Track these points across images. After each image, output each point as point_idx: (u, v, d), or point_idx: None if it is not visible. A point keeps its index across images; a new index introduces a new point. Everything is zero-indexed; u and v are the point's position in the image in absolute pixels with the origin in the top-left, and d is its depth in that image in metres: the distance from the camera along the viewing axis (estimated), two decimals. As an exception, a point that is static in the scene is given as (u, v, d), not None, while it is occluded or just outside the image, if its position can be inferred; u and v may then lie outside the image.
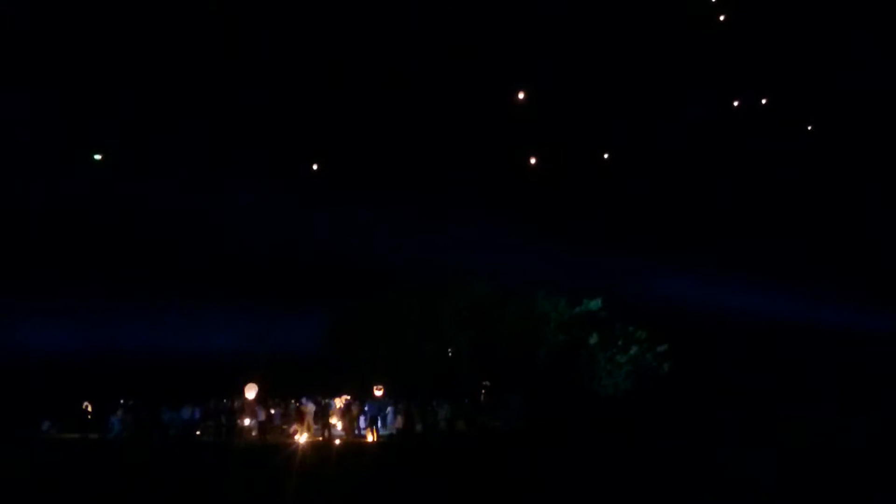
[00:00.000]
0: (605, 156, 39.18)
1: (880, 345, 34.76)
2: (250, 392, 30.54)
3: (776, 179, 40.33)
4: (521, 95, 36.12)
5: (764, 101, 39.90)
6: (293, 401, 32.72)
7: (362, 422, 30.92)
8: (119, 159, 33.75)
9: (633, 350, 31.42)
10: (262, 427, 30.39)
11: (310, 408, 32.10)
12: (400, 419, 31.25)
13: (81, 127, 32.97)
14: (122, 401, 31.94)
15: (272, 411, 31.42)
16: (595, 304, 32.34)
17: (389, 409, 31.32)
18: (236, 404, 30.44)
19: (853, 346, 34.40)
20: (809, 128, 41.25)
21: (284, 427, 31.77)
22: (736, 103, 39.75)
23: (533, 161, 37.31)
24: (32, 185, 32.76)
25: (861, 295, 36.96)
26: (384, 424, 30.87)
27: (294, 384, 32.02)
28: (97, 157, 31.66)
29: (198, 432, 30.56)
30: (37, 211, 33.13)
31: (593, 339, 31.49)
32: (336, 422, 31.40)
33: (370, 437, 29.78)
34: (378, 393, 30.71)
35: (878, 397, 30.45)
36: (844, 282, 37.54)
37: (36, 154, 32.46)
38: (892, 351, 34.42)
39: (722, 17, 37.63)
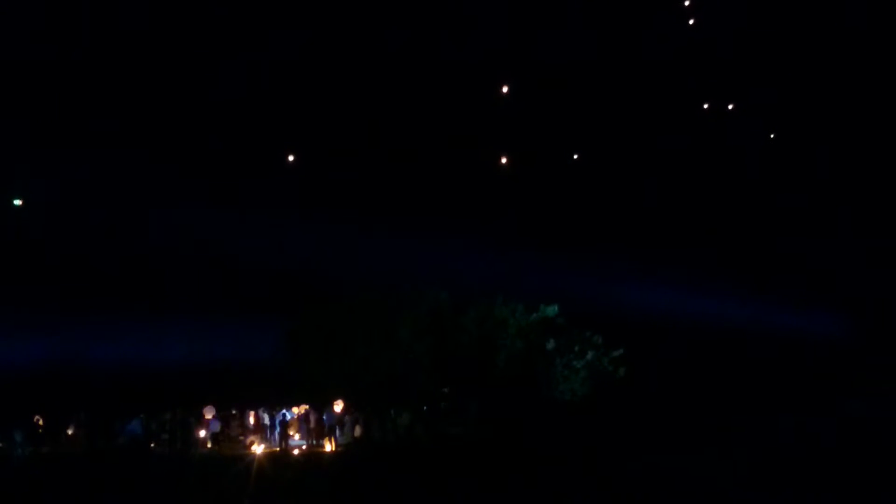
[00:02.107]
0: (575, 157, 39.21)
1: (828, 348, 35.54)
2: (208, 412, 30.50)
3: (734, 186, 40.89)
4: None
5: (730, 107, 40.31)
6: (250, 412, 32.51)
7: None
8: (72, 171, 33.24)
9: (590, 355, 31.58)
10: (216, 438, 30.19)
11: (268, 419, 31.95)
12: (358, 428, 31.19)
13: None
14: (76, 414, 31.39)
15: (225, 425, 31.22)
16: (552, 310, 32.44)
17: (347, 418, 31.21)
18: (191, 416, 30.17)
19: (804, 349, 35.08)
20: (772, 136, 41.88)
21: (241, 438, 31.56)
22: (705, 107, 40.08)
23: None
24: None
25: (813, 300, 37.70)
26: (342, 433, 30.76)
27: (251, 395, 31.76)
28: (17, 202, 31.24)
29: (152, 444, 30.16)
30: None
31: (550, 345, 31.61)
32: (294, 432, 31.26)
33: (328, 447, 29.72)
34: (337, 408, 30.69)
35: (829, 400, 31.07)
36: (798, 288, 38.25)
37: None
38: (839, 353, 35.26)
39: (691, 21, 37.99)
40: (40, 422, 29.95)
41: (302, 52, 35.30)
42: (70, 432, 30.75)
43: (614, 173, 39.46)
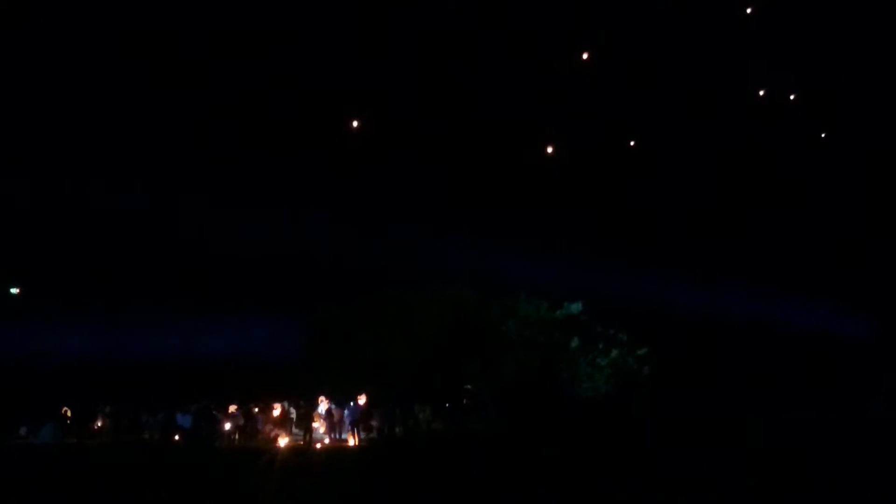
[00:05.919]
0: (630, 144, 38.28)
1: (852, 347, 35.21)
2: (231, 407, 30.83)
3: (764, 182, 40.22)
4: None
5: (792, 97, 39.24)
6: (275, 405, 32.73)
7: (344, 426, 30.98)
8: (96, 166, 33.58)
9: (614, 353, 31.41)
10: (236, 431, 30.49)
11: (292, 412, 32.14)
12: (377, 423, 31.31)
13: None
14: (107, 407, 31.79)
15: (249, 418, 31.45)
16: (576, 306, 32.26)
17: (371, 412, 31.32)
18: (216, 410, 30.47)
19: (828, 349, 34.78)
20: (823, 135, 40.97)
21: (265, 432, 31.77)
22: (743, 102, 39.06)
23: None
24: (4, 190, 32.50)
25: (838, 299, 37.34)
26: (365, 428, 30.86)
27: (275, 388, 32.00)
28: (14, 290, 31.73)
29: (177, 437, 30.52)
30: (11, 215, 32.84)
31: (574, 343, 31.48)
32: (318, 426, 31.45)
33: (351, 441, 29.87)
34: (361, 401, 30.81)
35: (856, 400, 30.83)
36: (823, 287, 37.87)
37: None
38: (863, 353, 34.94)
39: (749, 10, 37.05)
40: (68, 413, 30.39)
41: (333, 47, 35.17)
42: (100, 424, 31.13)
43: (641, 169, 38.99)
